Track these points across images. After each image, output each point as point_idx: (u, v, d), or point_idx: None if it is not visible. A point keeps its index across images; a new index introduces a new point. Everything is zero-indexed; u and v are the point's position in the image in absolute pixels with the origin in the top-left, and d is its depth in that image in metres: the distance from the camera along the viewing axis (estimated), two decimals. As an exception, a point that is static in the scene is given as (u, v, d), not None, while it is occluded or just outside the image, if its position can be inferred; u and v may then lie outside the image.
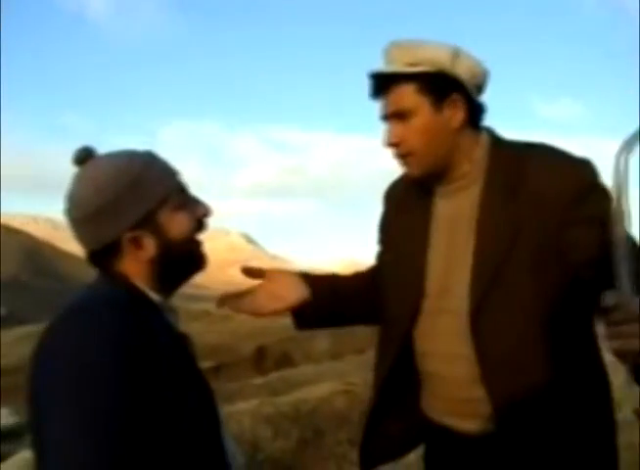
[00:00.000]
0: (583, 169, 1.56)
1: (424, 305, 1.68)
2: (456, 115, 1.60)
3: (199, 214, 1.39)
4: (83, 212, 1.29)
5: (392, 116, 1.62)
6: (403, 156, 1.64)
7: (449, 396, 1.66)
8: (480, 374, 1.56)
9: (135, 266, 1.32)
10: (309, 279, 1.84)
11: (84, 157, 1.33)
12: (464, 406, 1.64)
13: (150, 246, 1.31)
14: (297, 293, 1.79)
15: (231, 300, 1.74)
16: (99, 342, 1.13)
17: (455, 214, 1.66)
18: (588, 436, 1.59)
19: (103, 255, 1.32)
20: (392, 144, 1.63)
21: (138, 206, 1.29)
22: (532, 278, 1.53)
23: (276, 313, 1.77)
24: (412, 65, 1.57)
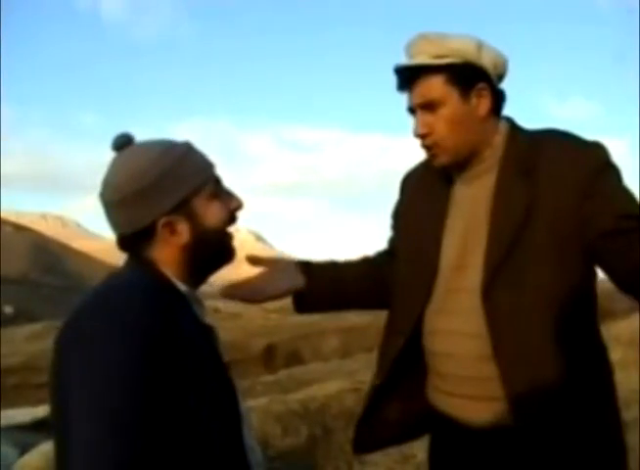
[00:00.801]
0: (596, 150, 1.60)
1: (437, 285, 1.71)
2: (482, 103, 1.65)
3: (232, 207, 1.41)
4: (120, 195, 1.30)
5: (421, 107, 1.66)
6: (432, 146, 1.68)
7: (458, 374, 1.67)
8: (492, 351, 1.57)
9: (167, 253, 1.33)
10: (309, 266, 1.90)
11: (123, 143, 1.35)
12: (472, 386, 1.64)
13: (184, 232, 1.32)
14: (292, 281, 1.85)
15: (229, 289, 1.78)
16: (124, 337, 1.12)
17: (473, 199, 1.70)
18: (594, 430, 1.59)
19: (134, 239, 1.33)
20: (422, 134, 1.67)
21: (175, 191, 1.31)
22: (547, 255, 1.56)
23: (268, 300, 1.82)
24: (440, 57, 1.61)
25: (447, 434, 1.76)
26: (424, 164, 1.90)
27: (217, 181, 1.40)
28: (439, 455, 1.85)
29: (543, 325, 1.56)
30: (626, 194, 1.58)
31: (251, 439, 1.38)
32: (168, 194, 1.30)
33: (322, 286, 1.89)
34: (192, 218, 1.33)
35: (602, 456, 1.60)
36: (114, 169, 1.34)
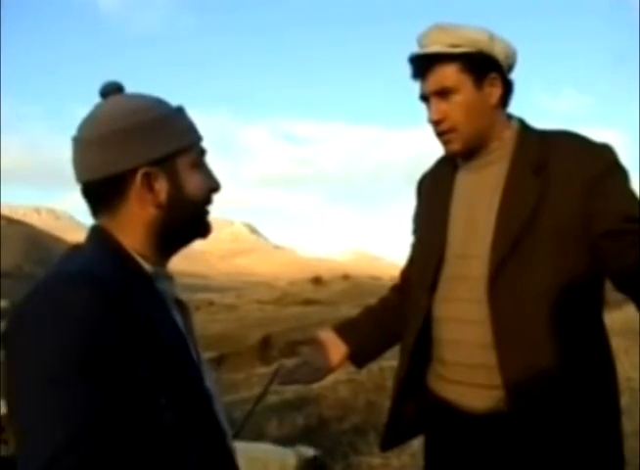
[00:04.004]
0: (604, 150, 1.63)
1: (444, 272, 1.74)
2: (494, 92, 1.68)
3: (212, 186, 1.27)
4: (102, 132, 1.14)
5: (435, 94, 1.69)
6: (446, 132, 1.70)
7: (460, 361, 1.69)
8: (493, 340, 1.59)
9: (137, 214, 1.17)
10: (348, 329, 2.00)
11: (112, 90, 1.21)
12: (472, 373, 1.66)
13: (162, 190, 1.17)
14: (338, 352, 1.95)
15: (287, 376, 1.92)
16: (71, 322, 1.00)
17: (478, 186, 1.73)
18: (592, 418, 1.60)
19: (103, 190, 1.16)
20: (437, 120, 1.70)
21: (163, 142, 1.17)
22: (552, 249, 1.58)
23: (324, 377, 1.97)
24: (454, 46, 1.65)
25: (445, 421, 1.77)
26: (435, 165, 1.95)
27: (202, 152, 1.27)
28: (436, 442, 1.85)
29: (545, 316, 1.58)
30: (632, 196, 1.60)
31: (224, 420, 1.26)
32: (156, 142, 1.16)
33: (367, 340, 1.99)
34: (173, 178, 1.18)
35: (598, 446, 1.60)
36: (97, 109, 1.19)
